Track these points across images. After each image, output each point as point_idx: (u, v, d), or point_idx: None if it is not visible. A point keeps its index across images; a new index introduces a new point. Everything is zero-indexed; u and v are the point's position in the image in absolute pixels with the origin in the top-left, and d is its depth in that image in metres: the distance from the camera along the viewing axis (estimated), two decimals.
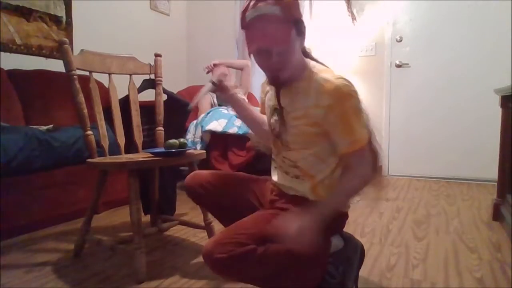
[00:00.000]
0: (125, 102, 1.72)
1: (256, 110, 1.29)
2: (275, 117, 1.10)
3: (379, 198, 2.48)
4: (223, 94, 1.21)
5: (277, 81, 1.02)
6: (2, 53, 2.34)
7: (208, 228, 1.65)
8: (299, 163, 1.07)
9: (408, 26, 3.31)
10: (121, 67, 1.68)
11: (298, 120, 1.03)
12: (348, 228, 1.60)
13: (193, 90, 3.32)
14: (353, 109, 0.96)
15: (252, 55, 0.99)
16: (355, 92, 0.96)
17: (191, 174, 1.25)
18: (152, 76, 1.81)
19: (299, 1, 1.00)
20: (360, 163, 0.99)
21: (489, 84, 2.55)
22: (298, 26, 0.96)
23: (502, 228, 1.87)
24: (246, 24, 0.95)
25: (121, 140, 1.66)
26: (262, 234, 0.92)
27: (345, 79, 0.97)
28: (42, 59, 2.59)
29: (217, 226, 1.85)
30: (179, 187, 2.15)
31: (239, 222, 0.99)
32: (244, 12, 0.95)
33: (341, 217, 1.13)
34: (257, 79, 3.71)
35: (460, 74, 3.14)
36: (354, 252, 1.14)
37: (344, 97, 0.95)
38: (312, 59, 1.08)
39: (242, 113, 1.26)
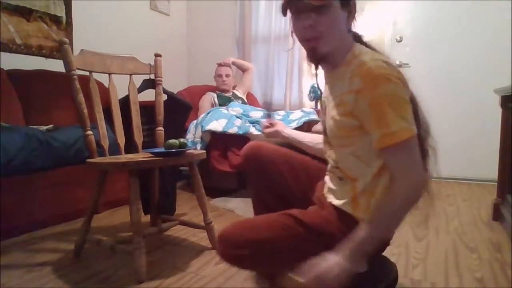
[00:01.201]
0: (125, 102, 1.72)
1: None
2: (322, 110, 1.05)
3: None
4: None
5: (315, 54, 0.90)
6: (2, 53, 2.34)
7: (208, 228, 1.65)
8: (339, 164, 0.96)
9: (408, 26, 3.31)
10: (121, 67, 1.68)
11: (334, 109, 0.92)
12: None
13: (193, 90, 3.32)
14: (389, 96, 0.80)
15: (291, 23, 0.92)
16: (394, 76, 0.81)
17: (252, 143, 1.19)
18: (152, 76, 1.81)
19: None
20: (399, 165, 0.83)
21: (489, 84, 2.55)
22: None
23: (502, 228, 1.87)
24: None
25: (121, 140, 1.66)
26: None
27: (384, 61, 0.84)
28: (42, 59, 2.59)
29: (217, 226, 1.85)
30: (179, 187, 2.16)
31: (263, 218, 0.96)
32: None
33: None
34: (257, 80, 3.72)
35: (460, 74, 3.14)
36: (378, 281, 1.01)
37: (376, 81, 0.81)
38: (364, 44, 0.97)
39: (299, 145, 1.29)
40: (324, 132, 1.05)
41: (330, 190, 1.02)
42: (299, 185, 1.15)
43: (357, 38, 0.97)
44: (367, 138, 0.87)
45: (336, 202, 0.98)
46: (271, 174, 1.14)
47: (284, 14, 0.92)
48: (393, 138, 0.80)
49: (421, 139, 0.88)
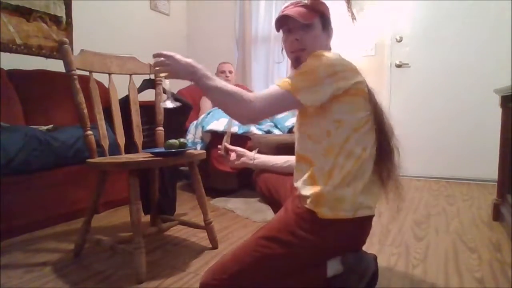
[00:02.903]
0: (125, 102, 1.72)
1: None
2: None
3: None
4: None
5: (298, 63, 1.08)
6: (2, 53, 2.34)
7: (208, 228, 1.65)
8: (299, 150, 1.10)
9: (408, 26, 3.31)
10: (121, 67, 1.68)
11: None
12: None
13: (193, 89, 3.32)
14: (308, 66, 0.99)
15: (282, 38, 1.14)
16: (326, 58, 0.98)
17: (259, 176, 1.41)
18: (152, 76, 1.81)
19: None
20: (267, 96, 0.99)
21: (489, 84, 2.55)
22: (324, 21, 1.12)
23: (502, 228, 1.87)
24: (282, 11, 1.11)
25: (121, 140, 1.66)
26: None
27: (334, 53, 1.03)
28: (42, 59, 2.59)
29: (217, 226, 1.85)
30: (179, 187, 2.16)
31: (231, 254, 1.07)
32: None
33: (341, 239, 1.05)
34: (257, 80, 3.72)
35: (460, 74, 3.14)
36: (358, 280, 1.05)
37: (311, 57, 1.02)
38: None
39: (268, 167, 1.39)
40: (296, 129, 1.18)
41: (295, 181, 1.12)
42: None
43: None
44: (316, 118, 1.02)
45: (296, 184, 1.08)
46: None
47: (278, 30, 1.15)
48: (283, 84, 1.00)
49: (387, 139, 1.07)
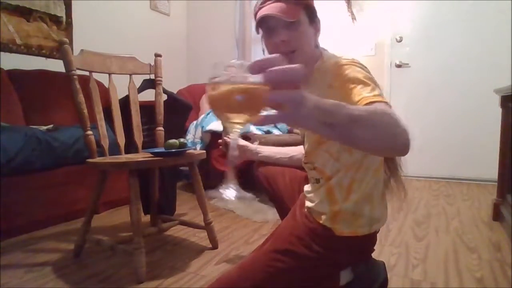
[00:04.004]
0: (125, 102, 1.72)
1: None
2: None
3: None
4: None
5: None
6: (2, 53, 2.34)
7: (208, 228, 1.65)
8: (316, 164, 1.01)
9: (408, 26, 3.31)
10: (121, 67, 1.68)
11: None
12: None
13: (193, 89, 3.32)
14: (361, 73, 0.82)
15: (263, 41, 0.97)
16: (359, 63, 0.87)
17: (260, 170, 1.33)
18: (152, 76, 1.81)
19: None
20: (388, 111, 0.67)
21: (489, 84, 2.55)
22: (310, 13, 0.96)
23: (502, 228, 1.87)
24: (259, 7, 0.95)
25: (121, 140, 1.66)
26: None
27: (349, 57, 0.90)
28: (42, 59, 2.59)
29: (217, 226, 1.85)
30: (179, 187, 2.15)
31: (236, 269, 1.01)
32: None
33: (355, 253, 1.02)
34: None
35: (460, 74, 3.14)
36: (371, 284, 1.05)
37: (345, 67, 0.85)
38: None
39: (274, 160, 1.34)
40: (303, 138, 1.11)
41: (307, 193, 1.07)
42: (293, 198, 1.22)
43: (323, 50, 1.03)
44: None
45: (310, 204, 1.02)
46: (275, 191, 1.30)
47: (258, 31, 0.97)
48: (379, 97, 0.76)
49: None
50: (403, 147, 0.65)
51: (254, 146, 1.35)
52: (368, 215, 0.96)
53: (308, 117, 0.53)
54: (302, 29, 0.93)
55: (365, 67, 0.87)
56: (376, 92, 0.76)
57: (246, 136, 2.50)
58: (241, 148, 1.33)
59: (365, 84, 0.79)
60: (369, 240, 1.02)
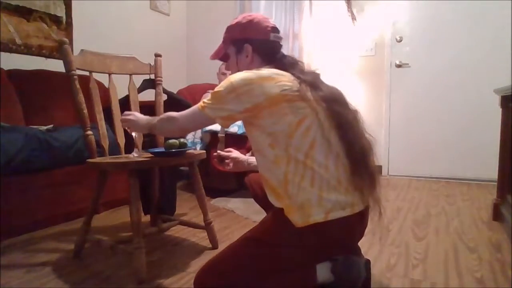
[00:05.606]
0: (125, 102, 1.72)
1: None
2: None
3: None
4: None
5: None
6: (2, 53, 2.34)
7: (208, 228, 1.65)
8: (258, 169, 1.14)
9: (408, 26, 3.31)
10: (121, 67, 1.68)
11: None
12: None
13: (193, 89, 3.32)
14: (217, 87, 1.07)
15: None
16: (232, 78, 1.05)
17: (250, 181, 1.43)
18: (152, 76, 1.81)
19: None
20: (188, 115, 1.13)
21: (489, 84, 2.55)
22: (237, 45, 1.23)
23: (502, 228, 1.87)
24: None
25: (121, 140, 1.66)
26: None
27: (246, 72, 1.06)
28: (42, 59, 2.59)
29: (217, 226, 1.85)
30: (179, 187, 2.15)
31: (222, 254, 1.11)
32: None
33: (322, 243, 1.02)
34: None
35: (460, 74, 3.14)
36: (353, 284, 1.04)
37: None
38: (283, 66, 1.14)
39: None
40: None
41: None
42: None
43: (281, 65, 1.14)
44: (255, 135, 1.07)
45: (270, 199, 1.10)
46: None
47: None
48: (202, 105, 1.08)
49: (347, 131, 1.05)
50: (170, 133, 1.38)
51: (245, 157, 1.44)
52: (316, 202, 0.97)
53: (135, 126, 1.36)
54: (231, 60, 1.27)
55: (236, 78, 1.04)
56: (205, 100, 1.09)
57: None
58: (234, 160, 1.44)
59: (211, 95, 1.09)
60: (334, 229, 0.99)
